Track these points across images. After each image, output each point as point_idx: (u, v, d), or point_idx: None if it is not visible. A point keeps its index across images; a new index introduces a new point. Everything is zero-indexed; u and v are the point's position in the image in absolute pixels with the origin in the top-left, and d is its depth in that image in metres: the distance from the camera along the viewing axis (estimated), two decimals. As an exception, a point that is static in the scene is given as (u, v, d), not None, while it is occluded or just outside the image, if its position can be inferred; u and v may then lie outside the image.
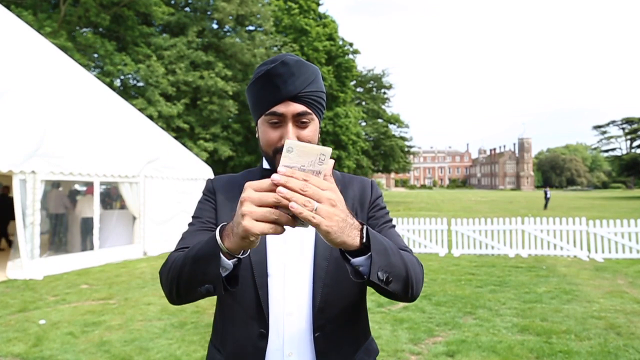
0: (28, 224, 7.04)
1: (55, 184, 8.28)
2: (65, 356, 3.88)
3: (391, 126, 39.59)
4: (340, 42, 30.46)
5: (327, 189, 0.73)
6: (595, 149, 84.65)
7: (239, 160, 23.51)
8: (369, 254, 0.80)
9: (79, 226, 8.65)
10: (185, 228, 1.12)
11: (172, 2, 23.47)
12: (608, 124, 70.50)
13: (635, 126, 63.87)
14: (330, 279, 1.01)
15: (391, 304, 5.29)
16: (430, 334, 4.37)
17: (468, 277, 6.99)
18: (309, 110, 1.01)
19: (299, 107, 0.99)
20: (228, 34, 23.96)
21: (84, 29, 20.38)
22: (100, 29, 20.99)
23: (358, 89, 39.08)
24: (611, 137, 70.99)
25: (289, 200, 0.68)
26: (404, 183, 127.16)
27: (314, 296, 1.01)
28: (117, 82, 20.33)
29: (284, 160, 0.72)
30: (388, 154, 38.21)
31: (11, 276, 6.98)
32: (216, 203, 1.11)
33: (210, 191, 1.14)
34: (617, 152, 69.23)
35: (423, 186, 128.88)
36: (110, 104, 10.28)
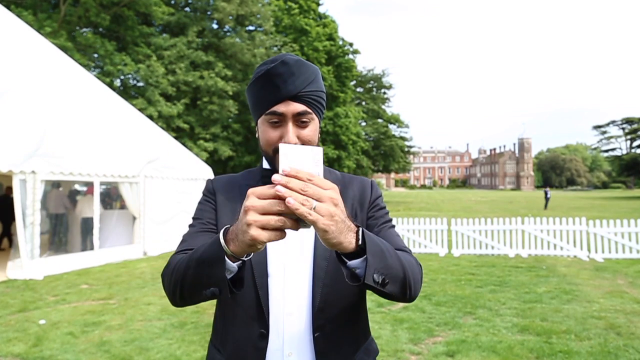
0: (28, 224, 7.04)
1: (55, 184, 8.28)
2: (65, 356, 3.88)
3: (391, 126, 39.59)
4: (340, 42, 30.47)
5: (330, 188, 0.73)
6: (595, 149, 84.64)
7: (239, 160, 23.51)
8: (365, 256, 0.80)
9: (79, 226, 8.65)
10: (186, 229, 1.11)
11: (172, 2, 23.47)
12: (608, 124, 70.50)
13: (635, 126, 63.85)
14: (330, 279, 1.01)
15: (391, 304, 5.29)
16: (430, 334, 4.37)
17: (468, 277, 6.99)
18: (309, 110, 1.01)
19: (299, 107, 0.99)
20: (228, 34, 23.96)
21: (84, 29, 20.38)
22: (100, 29, 21.00)
23: (358, 89, 39.09)
24: (611, 137, 70.99)
25: (296, 209, 0.69)
26: (404, 183, 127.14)
27: (313, 296, 1.01)
28: (117, 82, 20.34)
29: (283, 164, 0.72)
30: (388, 154, 38.21)
31: (11, 276, 6.98)
32: (216, 204, 1.11)
33: (210, 192, 1.14)
34: (617, 152, 69.24)
35: (423, 186, 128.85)
36: (110, 104, 10.28)
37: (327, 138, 27.50)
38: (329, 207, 0.71)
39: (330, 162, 26.52)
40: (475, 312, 5.11)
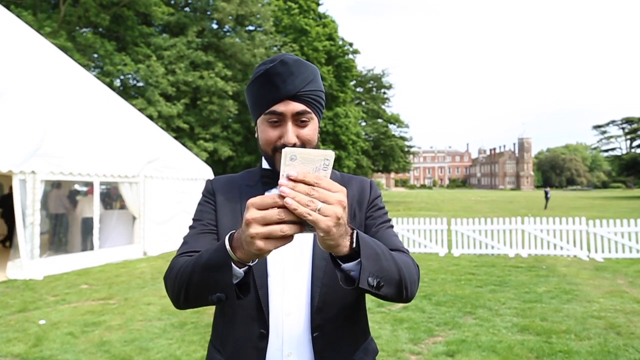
0: (28, 224, 7.04)
1: (55, 184, 8.28)
2: (65, 356, 3.88)
3: (391, 126, 39.61)
4: (340, 42, 30.47)
5: (338, 191, 0.72)
6: (595, 148, 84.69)
7: (239, 160, 23.51)
8: (359, 259, 0.79)
9: (79, 226, 8.64)
10: (186, 229, 1.11)
11: (172, 2, 23.47)
12: (608, 124, 70.53)
13: (635, 126, 63.86)
14: (328, 279, 1.01)
15: (391, 304, 5.28)
16: (430, 334, 4.37)
17: (468, 277, 6.99)
18: (308, 109, 1.01)
19: (298, 106, 1.00)
20: (228, 34, 23.96)
21: (84, 29, 20.38)
22: (100, 29, 21.00)
23: (358, 89, 39.10)
24: (611, 136, 71.03)
25: (295, 208, 0.68)
26: (403, 183, 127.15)
27: (312, 296, 1.01)
28: (117, 82, 20.34)
29: (288, 168, 0.71)
30: (388, 153, 38.22)
31: (11, 276, 6.98)
32: (216, 204, 1.11)
33: (209, 192, 1.14)
34: (617, 152, 69.25)
35: (423, 186, 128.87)
36: (110, 104, 10.28)
37: (327, 138, 27.51)
38: (335, 209, 0.70)
39: (330, 162, 26.47)
40: (475, 312, 5.11)
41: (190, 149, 17.35)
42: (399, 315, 4.94)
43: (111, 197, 10.10)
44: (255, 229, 0.70)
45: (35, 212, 7.13)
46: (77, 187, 9.60)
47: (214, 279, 0.82)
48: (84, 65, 14.82)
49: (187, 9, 24.15)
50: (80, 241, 8.60)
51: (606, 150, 73.09)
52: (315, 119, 1.05)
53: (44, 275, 7.16)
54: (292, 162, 0.71)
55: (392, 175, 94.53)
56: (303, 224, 0.71)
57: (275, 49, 24.69)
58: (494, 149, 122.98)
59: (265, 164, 1.12)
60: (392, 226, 1.14)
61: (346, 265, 0.82)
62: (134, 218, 9.43)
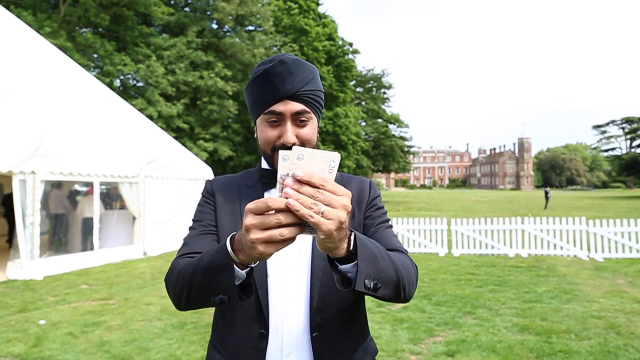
0: (28, 224, 7.04)
1: (55, 184, 8.28)
2: (65, 356, 3.88)
3: (391, 126, 39.62)
4: (340, 42, 30.47)
5: (343, 194, 0.71)
6: (595, 148, 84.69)
7: (239, 160, 23.51)
8: (356, 261, 0.79)
9: (79, 226, 8.64)
10: (186, 229, 1.11)
11: (172, 2, 23.47)
12: (608, 124, 70.53)
13: (635, 126, 63.87)
14: (327, 278, 1.00)
15: (391, 304, 5.28)
16: (430, 334, 4.37)
17: (468, 277, 6.99)
18: (307, 109, 1.01)
19: (297, 106, 1.00)
20: (228, 34, 23.96)
21: (84, 29, 20.38)
22: (100, 29, 21.00)
23: (358, 89, 39.11)
24: (611, 136, 71.03)
25: (297, 210, 0.67)
26: (403, 183, 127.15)
27: (311, 296, 1.01)
28: (117, 82, 20.34)
29: (293, 167, 0.70)
30: (388, 153, 38.22)
31: (11, 276, 6.98)
32: (215, 205, 1.11)
33: (209, 193, 1.14)
34: (617, 152, 69.26)
35: (423, 186, 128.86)
36: (110, 104, 10.28)
37: (327, 138, 27.51)
38: (339, 213, 0.69)
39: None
40: (475, 311, 5.10)
41: (190, 149, 17.36)
42: (399, 315, 4.94)
43: (111, 197, 10.09)
44: (255, 235, 0.69)
45: (35, 212, 7.12)
46: (77, 187, 9.60)
47: (216, 281, 0.82)
48: (84, 65, 14.82)
49: (187, 9, 24.15)
50: (80, 241, 8.60)
51: (606, 150, 73.09)
52: (315, 119, 1.05)
53: (44, 275, 7.16)
54: (298, 161, 0.70)
55: (392, 175, 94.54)
56: (304, 225, 0.70)
57: (275, 49, 24.69)
58: (494, 149, 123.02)
59: (264, 164, 1.12)
60: (391, 226, 1.14)
61: (343, 267, 0.82)
62: (134, 218, 9.43)
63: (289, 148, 0.98)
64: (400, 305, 5.28)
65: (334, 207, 0.69)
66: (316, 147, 1.04)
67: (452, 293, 5.96)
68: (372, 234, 1.07)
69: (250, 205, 0.71)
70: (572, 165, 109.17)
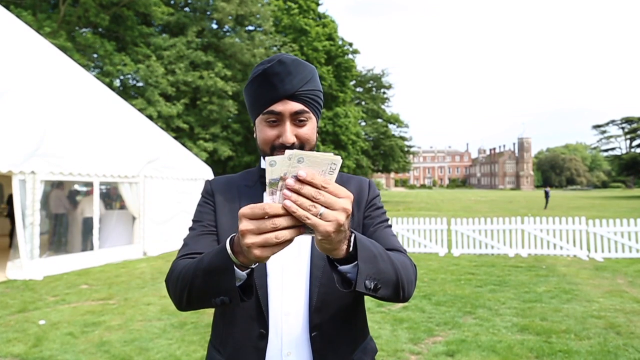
0: (28, 224, 7.04)
1: (55, 184, 8.28)
2: (65, 356, 3.88)
3: (391, 126, 39.63)
4: (340, 42, 30.46)
5: (345, 197, 0.71)
6: (594, 148, 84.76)
7: (239, 160, 23.51)
8: (356, 262, 0.79)
9: (79, 226, 8.64)
10: (186, 229, 1.11)
11: (172, 2, 23.47)
12: (607, 124, 70.57)
13: (634, 125, 63.89)
14: (327, 278, 1.01)
15: (391, 304, 5.28)
16: (430, 334, 4.37)
17: (468, 277, 6.99)
18: (306, 109, 1.01)
19: (296, 106, 1.00)
20: (228, 34, 23.96)
21: (84, 29, 20.38)
22: (100, 29, 20.99)
23: (358, 89, 39.11)
24: (611, 136, 71.08)
25: (294, 211, 0.67)
26: (403, 183, 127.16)
27: (310, 296, 1.01)
28: (117, 82, 20.33)
29: (294, 170, 0.69)
30: (388, 153, 38.23)
31: (11, 276, 6.98)
32: (215, 205, 1.11)
33: (208, 193, 1.14)
34: (617, 152, 69.30)
35: (423, 186, 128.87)
36: (110, 104, 10.28)
37: (327, 138, 27.51)
38: (338, 215, 0.68)
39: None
40: (475, 311, 5.11)
41: (190, 149, 17.36)
42: (399, 315, 4.94)
43: (111, 197, 10.09)
44: (251, 239, 0.69)
45: (35, 212, 7.12)
46: (77, 187, 9.60)
47: (217, 282, 0.82)
48: (83, 65, 14.82)
49: (186, 9, 24.15)
50: (80, 241, 8.60)
51: (606, 150, 73.13)
52: (314, 119, 1.05)
53: (43, 275, 7.15)
54: (299, 164, 0.69)
55: (392, 175, 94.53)
56: (303, 226, 0.70)
57: (275, 49, 24.69)
58: (494, 148, 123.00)
59: (264, 164, 1.12)
60: (390, 226, 1.14)
61: (343, 268, 0.82)
62: (134, 218, 9.43)
63: (289, 148, 0.98)
64: (400, 305, 5.28)
65: (334, 209, 0.68)
66: (315, 146, 1.05)
67: (452, 293, 5.96)
68: (371, 233, 1.07)
69: (246, 211, 0.70)
70: (572, 165, 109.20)
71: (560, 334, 4.29)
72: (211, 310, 4.46)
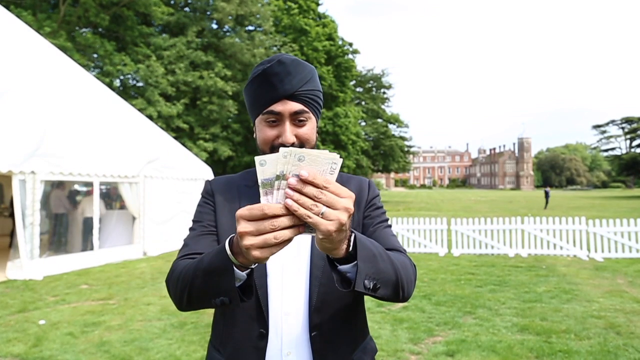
0: (28, 224, 7.03)
1: (55, 184, 8.28)
2: (65, 356, 3.88)
3: (391, 126, 39.65)
4: (340, 42, 30.47)
5: (346, 197, 0.70)
6: (594, 148, 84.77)
7: (239, 160, 23.51)
8: (356, 262, 0.79)
9: (78, 226, 8.64)
10: (186, 229, 1.11)
11: (172, 2, 23.47)
12: (607, 124, 70.59)
13: (634, 125, 63.90)
14: (326, 278, 1.01)
15: (391, 303, 5.29)
16: (430, 334, 4.37)
17: (468, 277, 6.99)
18: (306, 109, 1.01)
19: (296, 106, 1.00)
20: (228, 34, 23.96)
21: (84, 29, 20.38)
22: (100, 29, 20.99)
23: (358, 89, 39.12)
24: (611, 136, 71.09)
25: (295, 210, 0.67)
26: (403, 183, 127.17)
27: (310, 295, 1.01)
28: (117, 82, 20.33)
29: (294, 169, 0.69)
30: (388, 153, 38.24)
31: (11, 276, 6.98)
32: (215, 205, 1.11)
33: (208, 193, 1.14)
34: (617, 152, 69.32)
35: (423, 186, 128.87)
36: (110, 104, 10.28)
37: (327, 138, 27.51)
38: (339, 215, 0.68)
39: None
40: (475, 311, 5.11)
41: (190, 149, 17.36)
42: (399, 315, 4.94)
43: (111, 197, 10.10)
44: (250, 241, 0.69)
45: (35, 212, 7.12)
46: (77, 187, 9.60)
47: (216, 283, 0.82)
48: (83, 65, 14.82)
49: (186, 9, 24.15)
50: (80, 241, 8.60)
51: (606, 150, 73.15)
52: (313, 119, 1.05)
53: (43, 275, 7.15)
54: (299, 162, 0.69)
55: (392, 175, 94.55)
56: (303, 225, 0.69)
57: (275, 49, 24.69)
58: (494, 148, 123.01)
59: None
60: (389, 225, 1.14)
61: (343, 267, 0.82)
62: (134, 218, 9.43)
63: (288, 147, 0.98)
64: (400, 305, 5.28)
65: (335, 209, 0.68)
66: (315, 146, 1.04)
67: (452, 293, 5.96)
68: (371, 233, 1.07)
69: (244, 212, 0.70)
70: (571, 165, 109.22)
71: (560, 334, 4.29)
72: (211, 310, 4.46)
